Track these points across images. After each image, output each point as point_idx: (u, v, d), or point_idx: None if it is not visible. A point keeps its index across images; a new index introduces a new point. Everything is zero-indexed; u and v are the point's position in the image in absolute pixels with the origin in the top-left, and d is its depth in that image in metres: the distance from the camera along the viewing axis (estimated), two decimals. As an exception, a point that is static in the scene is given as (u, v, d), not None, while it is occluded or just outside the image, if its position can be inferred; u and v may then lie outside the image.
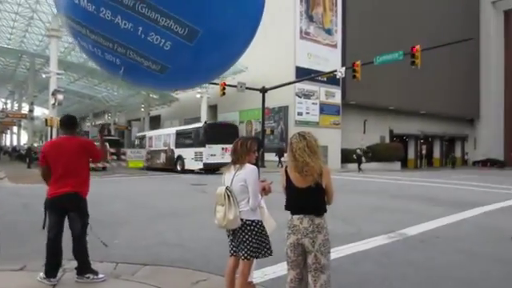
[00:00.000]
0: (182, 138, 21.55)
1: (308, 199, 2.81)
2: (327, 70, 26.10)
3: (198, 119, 33.32)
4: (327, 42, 29.90)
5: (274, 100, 26.80)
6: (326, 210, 2.86)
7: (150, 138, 25.22)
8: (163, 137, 23.62)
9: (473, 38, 26.82)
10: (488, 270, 4.76)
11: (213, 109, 35.13)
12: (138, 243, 5.74)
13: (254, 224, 3.18)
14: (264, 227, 3.27)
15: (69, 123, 3.99)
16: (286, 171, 2.89)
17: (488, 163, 42.47)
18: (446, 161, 44.22)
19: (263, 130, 24.36)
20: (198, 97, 31.13)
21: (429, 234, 6.70)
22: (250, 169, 3.19)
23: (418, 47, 16.30)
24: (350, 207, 9.39)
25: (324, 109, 29.71)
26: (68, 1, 2.59)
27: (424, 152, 40.90)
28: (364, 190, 14.39)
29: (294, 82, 25.60)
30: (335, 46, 30.32)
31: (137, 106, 44.49)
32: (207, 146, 19.24)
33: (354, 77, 19.07)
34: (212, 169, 19.28)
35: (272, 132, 27.26)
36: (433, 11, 38.20)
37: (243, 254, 3.18)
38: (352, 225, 7.31)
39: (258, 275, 4.10)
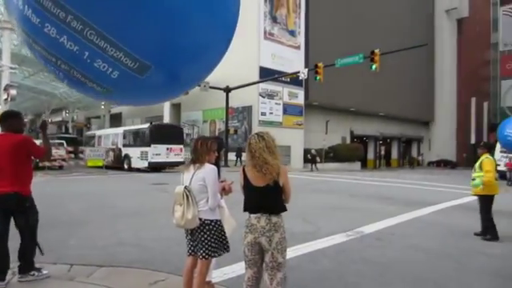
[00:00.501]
0: (129, 138, 22.36)
1: (266, 198, 2.83)
2: (291, 70, 26.45)
3: (160, 118, 32.75)
4: (291, 44, 30.29)
5: (237, 100, 26.83)
6: (285, 209, 2.90)
7: (99, 137, 25.54)
8: (111, 136, 24.23)
9: (427, 44, 28.15)
10: (437, 264, 5.03)
11: (176, 107, 34.62)
12: (95, 244, 5.58)
13: (212, 224, 3.19)
14: (222, 227, 3.29)
15: (3, 119, 3.82)
16: (244, 171, 2.90)
17: (442, 163, 44.70)
18: (404, 161, 46.17)
19: (227, 130, 24.33)
20: (161, 95, 30.54)
21: (384, 231, 6.97)
22: (209, 168, 3.19)
23: (377, 51, 16.88)
24: (310, 206, 9.58)
25: (287, 109, 30.07)
26: (14, 6, 2.40)
27: (383, 153, 42.44)
28: (324, 189, 14.69)
29: (257, 82, 25.74)
30: (299, 47, 30.76)
31: (97, 102, 43.01)
32: (152, 145, 20.25)
33: (316, 78, 19.43)
34: (157, 167, 20.76)
35: (236, 132, 27.27)
36: (393, 17, 39.67)
37: (201, 254, 3.18)
38: (311, 224, 7.47)
39: (217, 274, 4.11)
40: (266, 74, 27.01)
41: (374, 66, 16.89)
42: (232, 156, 25.72)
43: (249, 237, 2.85)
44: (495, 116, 48.03)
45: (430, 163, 46.26)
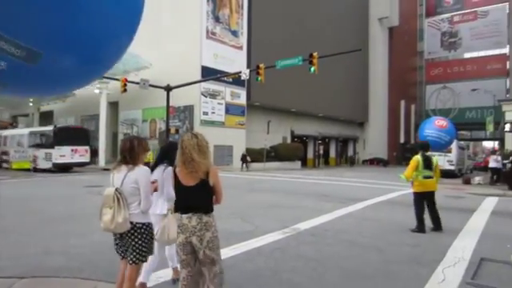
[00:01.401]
0: (35, 139, 22.50)
1: (195, 198, 2.83)
2: (233, 70, 26.45)
3: (96, 116, 31.16)
4: (233, 44, 30.32)
5: (179, 99, 26.30)
6: (212, 209, 2.91)
7: (5, 138, 24.99)
8: (17, 137, 24.11)
9: (361, 50, 29.60)
10: (366, 257, 5.30)
11: (114, 106, 33.16)
12: (18, 253, 5.15)
13: (144, 227, 3.07)
14: (152, 230, 3.19)
15: None
16: (175, 172, 2.90)
17: (375, 162, 47.41)
18: (341, 160, 48.35)
19: (167, 129, 23.71)
20: (97, 92, 29.07)
21: (320, 227, 7.21)
22: (143, 170, 3.07)
23: (315, 54, 17.39)
24: (249, 205, 9.66)
25: (229, 109, 30.06)
26: None
27: (321, 152, 44.00)
28: (264, 188, 14.89)
29: (199, 82, 25.42)
30: (241, 47, 30.88)
31: (24, 99, 39.86)
32: (56, 147, 20.96)
33: (258, 79, 19.63)
34: (64, 168, 21.57)
35: (177, 131, 26.68)
36: (331, 22, 41.22)
37: (131, 259, 3.06)
38: (249, 223, 7.52)
39: (152, 278, 3.97)
40: (208, 74, 26.78)
41: (312, 69, 17.36)
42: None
43: (180, 237, 2.85)
44: (421, 118, 51.78)
45: (365, 161, 48.86)
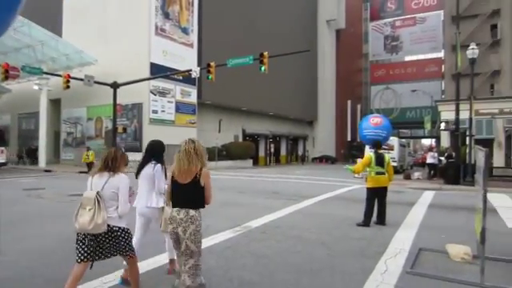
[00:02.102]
0: None
1: (187, 194, 3.24)
2: (183, 68, 25.95)
3: (36, 114, 29.31)
4: (183, 41, 29.80)
5: (127, 96, 25.39)
6: (203, 206, 3.33)
7: None
8: None
9: (309, 50, 30.45)
10: (314, 252, 5.44)
11: (55, 103, 31.33)
12: None
13: (120, 231, 3.34)
14: (130, 234, 3.45)
15: None
16: (172, 171, 3.31)
17: (324, 159, 48.89)
18: (292, 158, 49.35)
19: (115, 128, 22.77)
20: (36, 89, 27.30)
21: (269, 225, 7.29)
22: (123, 177, 3.38)
23: (265, 54, 17.57)
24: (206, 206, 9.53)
25: (180, 107, 29.55)
26: None
27: (272, 150, 44.54)
28: (216, 186, 14.63)
29: (148, 79, 24.68)
30: (191, 45, 30.43)
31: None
32: None
33: (209, 77, 19.47)
34: None
35: (124, 130, 25.76)
36: (282, 23, 41.83)
37: (124, 253, 3.36)
38: (203, 221, 7.43)
39: (142, 266, 3.79)
40: (158, 71, 26.13)
41: (263, 68, 17.54)
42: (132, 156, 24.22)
43: (169, 227, 3.30)
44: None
45: (314, 159, 50.24)
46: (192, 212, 3.24)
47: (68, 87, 20.15)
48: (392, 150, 24.06)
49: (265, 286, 4.11)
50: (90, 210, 3.15)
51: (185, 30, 30.00)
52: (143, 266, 4.33)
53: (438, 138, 32.97)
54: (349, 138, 56.57)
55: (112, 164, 3.37)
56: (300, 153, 50.72)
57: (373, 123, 14.75)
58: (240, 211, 8.89)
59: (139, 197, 4.10)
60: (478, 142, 20.61)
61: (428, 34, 61.32)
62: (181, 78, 28.17)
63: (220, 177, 20.03)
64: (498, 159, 22.16)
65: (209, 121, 33.16)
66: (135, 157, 17.87)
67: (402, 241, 6.15)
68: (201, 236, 3.30)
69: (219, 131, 32.92)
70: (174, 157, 3.32)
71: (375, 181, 7.57)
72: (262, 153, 42.86)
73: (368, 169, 7.55)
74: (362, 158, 26.65)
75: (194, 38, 30.64)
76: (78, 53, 26.22)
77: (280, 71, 35.39)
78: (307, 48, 29.28)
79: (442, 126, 21.20)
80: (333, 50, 55.87)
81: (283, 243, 5.93)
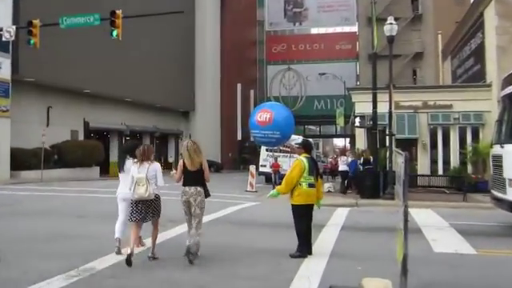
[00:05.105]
0: None
1: (195, 177, 7.43)
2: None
3: None
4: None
5: None
6: (204, 184, 7.54)
7: None
8: None
9: (183, 12, 30.54)
10: None
11: None
12: None
13: (158, 196, 7.64)
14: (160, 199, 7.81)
15: None
16: (184, 162, 7.48)
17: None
18: (160, 163, 48.86)
19: None
20: None
21: (123, 264, 7.00)
22: (158, 165, 7.79)
23: (118, 12, 17.16)
24: (12, 238, 8.96)
25: (-19, 86, 27.22)
26: None
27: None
28: (40, 209, 14.28)
29: None
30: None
31: None
32: None
33: (31, 42, 18.31)
34: None
35: None
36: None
37: (157, 215, 7.66)
38: (13, 266, 6.94)
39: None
40: None
41: (114, 32, 17.18)
42: None
43: (183, 197, 7.41)
44: (263, 107, 56.47)
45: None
46: (199, 188, 7.40)
47: None
48: (295, 153, 25.50)
49: None
50: (143, 185, 7.18)
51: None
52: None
53: (353, 138, 35.92)
54: (239, 137, 57.98)
55: (146, 157, 7.53)
56: (171, 157, 50.55)
57: (259, 121, 14.65)
58: (79, 246, 8.58)
59: (123, 186, 7.93)
60: (400, 142, 22.92)
61: (340, 1, 66.41)
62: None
63: (47, 194, 19.21)
64: (424, 165, 25.01)
65: (31, 108, 31.40)
66: None
67: (307, 276, 6.50)
68: (204, 203, 7.49)
69: (47, 124, 31.36)
70: (182, 153, 7.64)
71: (306, 195, 7.80)
72: (114, 157, 41.60)
73: (301, 180, 7.74)
74: (256, 163, 27.71)
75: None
76: None
77: (141, 40, 34.87)
78: (180, 9, 29.30)
79: (357, 121, 22.98)
80: (217, 14, 57.00)
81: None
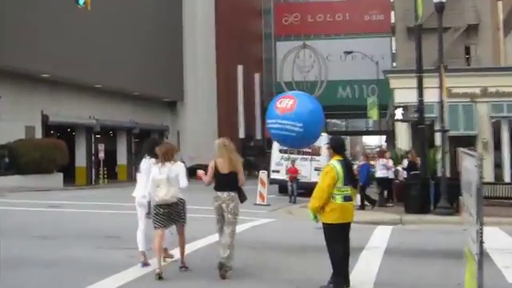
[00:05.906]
0: None
1: (228, 181, 8.61)
2: None
3: None
4: None
5: None
6: (238, 188, 8.68)
7: None
8: None
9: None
10: None
11: None
12: None
13: (182, 200, 8.83)
14: (185, 203, 9.09)
15: None
16: (215, 163, 8.66)
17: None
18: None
19: None
20: None
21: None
22: (181, 165, 9.16)
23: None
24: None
25: None
26: None
27: (102, 155, 43.33)
28: None
29: None
30: None
31: None
32: None
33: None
34: None
35: None
36: None
37: (182, 221, 8.89)
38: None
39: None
40: None
41: (81, 1, 17.13)
42: None
43: (215, 203, 8.61)
44: (272, 95, 56.19)
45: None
46: (232, 193, 8.49)
47: None
48: (318, 155, 25.22)
49: None
50: (163, 187, 8.33)
51: None
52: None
53: (390, 134, 35.61)
54: (241, 135, 57.79)
55: (167, 157, 8.61)
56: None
57: (278, 108, 14.35)
58: (40, 276, 8.56)
59: (138, 188, 9.44)
60: (454, 140, 22.69)
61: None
62: None
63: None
64: (485, 169, 24.45)
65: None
66: None
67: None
68: (238, 209, 8.55)
69: (-4, 119, 31.26)
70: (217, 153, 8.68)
71: (340, 211, 7.62)
72: (81, 161, 41.80)
73: (334, 191, 7.56)
74: (264, 168, 27.28)
75: None
76: None
77: (116, 12, 34.87)
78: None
79: (398, 113, 22.63)
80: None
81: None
